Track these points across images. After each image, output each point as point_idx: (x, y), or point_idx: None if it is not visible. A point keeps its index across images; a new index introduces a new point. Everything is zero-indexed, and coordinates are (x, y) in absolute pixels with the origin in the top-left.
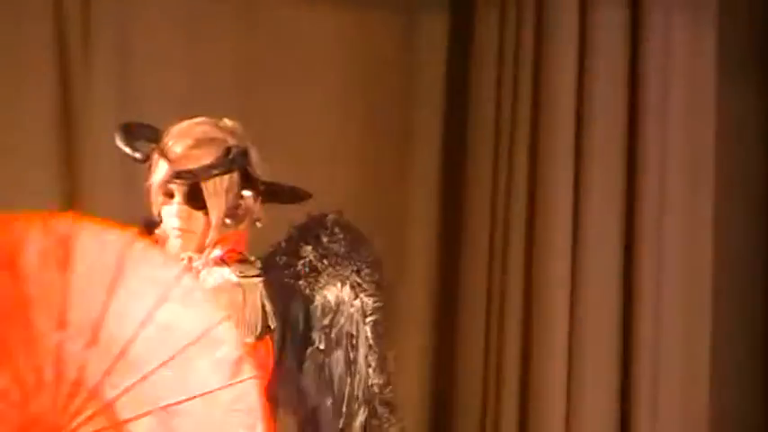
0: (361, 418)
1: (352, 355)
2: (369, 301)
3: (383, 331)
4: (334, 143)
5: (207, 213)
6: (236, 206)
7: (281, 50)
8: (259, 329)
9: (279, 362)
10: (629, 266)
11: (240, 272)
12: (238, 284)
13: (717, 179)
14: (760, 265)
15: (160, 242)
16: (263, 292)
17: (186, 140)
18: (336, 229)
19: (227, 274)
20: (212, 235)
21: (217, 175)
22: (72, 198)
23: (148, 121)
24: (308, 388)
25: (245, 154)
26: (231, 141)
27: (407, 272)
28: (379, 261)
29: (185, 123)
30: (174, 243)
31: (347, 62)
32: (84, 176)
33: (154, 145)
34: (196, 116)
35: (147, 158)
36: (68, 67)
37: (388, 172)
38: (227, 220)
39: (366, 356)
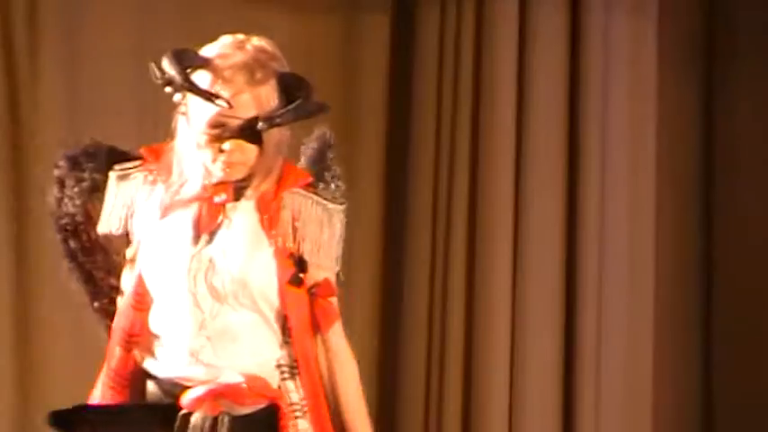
0: None
1: None
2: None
3: None
4: None
5: (261, 147)
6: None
7: None
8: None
9: None
10: (571, 258)
11: (325, 198)
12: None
13: (657, 169)
14: (698, 250)
15: (179, 154)
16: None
17: (242, 74)
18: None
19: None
20: (272, 166)
21: (287, 121)
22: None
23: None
24: None
25: (308, 91)
26: (278, 66)
27: (353, 273)
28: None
29: (228, 48)
30: (221, 174)
31: (289, 62)
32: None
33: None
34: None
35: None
36: (15, 77)
37: None
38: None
39: None
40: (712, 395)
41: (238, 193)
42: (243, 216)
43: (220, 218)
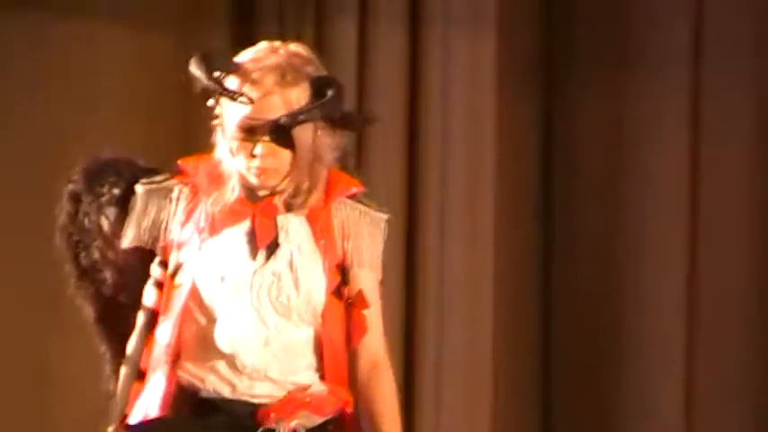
0: None
1: None
2: None
3: None
4: None
5: (293, 150)
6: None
7: (70, 69)
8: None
9: None
10: (410, 268)
11: (369, 206)
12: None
13: (497, 186)
14: (539, 263)
15: (221, 166)
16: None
17: (272, 76)
18: None
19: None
20: (317, 174)
21: (313, 118)
22: None
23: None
24: None
25: (339, 91)
26: (312, 71)
27: None
28: None
29: (262, 52)
30: (254, 180)
31: (127, 79)
32: None
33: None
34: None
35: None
36: None
37: None
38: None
39: None
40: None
41: (289, 205)
42: (297, 229)
43: (275, 231)
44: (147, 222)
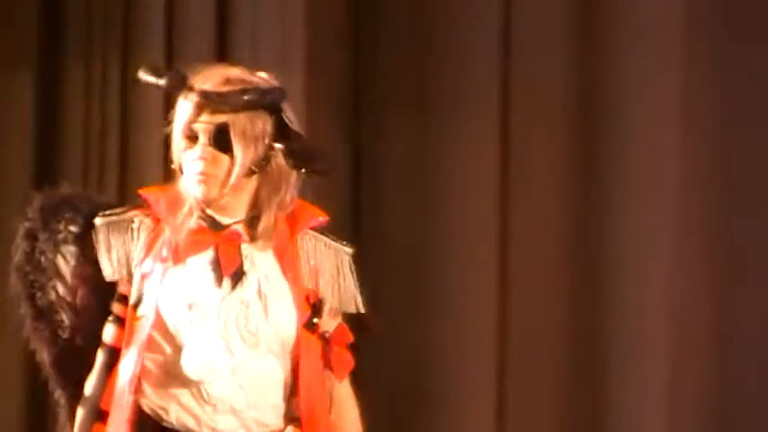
0: None
1: None
2: None
3: None
4: None
5: (232, 157)
6: (266, 158)
7: None
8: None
9: None
10: None
11: (333, 240)
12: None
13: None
14: None
15: (181, 193)
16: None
17: (216, 78)
18: None
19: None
20: (233, 179)
21: (248, 105)
22: None
23: None
24: None
25: (281, 94)
26: (257, 80)
27: None
28: None
29: (216, 67)
30: (196, 190)
31: None
32: None
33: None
34: None
35: (170, 86)
36: None
37: None
38: (253, 168)
39: None
40: None
41: (252, 232)
42: (263, 258)
43: (239, 258)
44: (113, 255)
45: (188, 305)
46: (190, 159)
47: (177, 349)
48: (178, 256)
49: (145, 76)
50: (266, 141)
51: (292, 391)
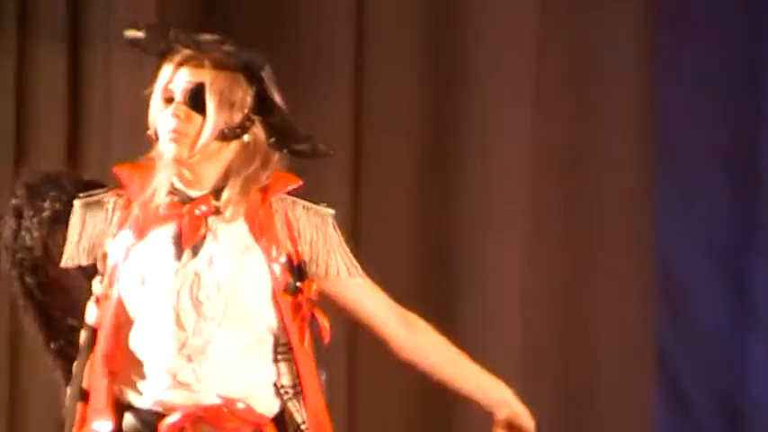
0: None
1: None
2: None
3: None
4: None
5: (204, 116)
6: (243, 127)
7: None
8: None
9: None
10: None
11: (312, 202)
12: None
13: None
14: None
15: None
16: None
17: (196, 34)
18: None
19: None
20: (204, 137)
21: (226, 56)
22: None
23: None
24: None
25: (261, 59)
26: (232, 50)
27: None
28: None
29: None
30: (168, 148)
31: None
32: None
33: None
34: None
35: (150, 38)
36: None
37: None
38: (227, 133)
39: None
40: None
41: (217, 201)
42: (229, 226)
43: (203, 230)
44: (84, 238)
45: (141, 280)
46: (164, 117)
47: (132, 327)
48: (141, 230)
49: (127, 32)
50: (245, 111)
51: (284, 359)
